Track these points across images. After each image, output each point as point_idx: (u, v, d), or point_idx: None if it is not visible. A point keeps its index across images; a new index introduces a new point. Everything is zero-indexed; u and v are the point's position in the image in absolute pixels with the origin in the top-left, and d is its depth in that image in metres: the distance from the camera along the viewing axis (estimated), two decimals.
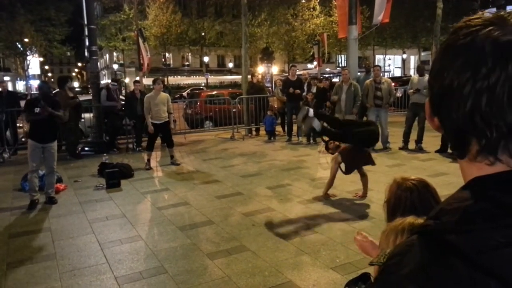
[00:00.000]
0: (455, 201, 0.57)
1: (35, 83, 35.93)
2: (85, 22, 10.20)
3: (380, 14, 11.41)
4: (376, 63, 28.15)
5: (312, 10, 34.89)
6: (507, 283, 0.48)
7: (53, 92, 10.28)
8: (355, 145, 5.53)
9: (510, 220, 0.50)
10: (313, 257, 3.98)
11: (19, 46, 34.03)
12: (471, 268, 0.49)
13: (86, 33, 10.14)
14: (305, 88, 10.54)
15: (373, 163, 5.70)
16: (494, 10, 16.85)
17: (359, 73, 11.00)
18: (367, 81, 9.00)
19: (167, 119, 8.09)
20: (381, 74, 9.63)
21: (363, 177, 5.69)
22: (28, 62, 36.46)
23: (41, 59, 41.26)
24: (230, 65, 46.41)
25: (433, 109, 0.62)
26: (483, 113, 0.53)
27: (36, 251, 4.37)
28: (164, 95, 8.16)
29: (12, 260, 4.16)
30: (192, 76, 43.81)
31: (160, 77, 11.51)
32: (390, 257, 0.59)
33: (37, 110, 5.82)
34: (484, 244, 0.50)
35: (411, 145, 8.74)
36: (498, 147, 0.54)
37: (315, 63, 28.76)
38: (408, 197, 1.63)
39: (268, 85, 21.75)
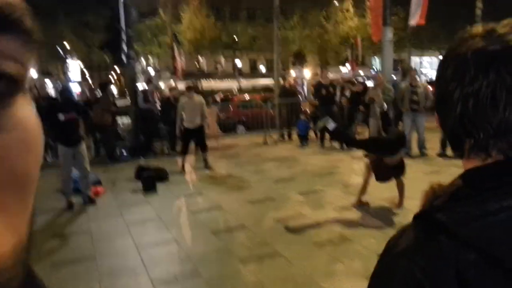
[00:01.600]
0: (447, 189, 0.63)
1: (75, 87, 37.41)
2: (123, 28, 10.52)
3: (416, 15, 11.16)
4: (413, 66, 27.52)
5: (345, 12, 34.49)
6: (484, 254, 0.52)
7: (96, 97, 10.71)
8: (377, 153, 5.36)
9: (487, 197, 0.56)
10: (347, 265, 3.94)
11: (60, 51, 35.51)
12: (454, 241, 0.55)
13: (124, 38, 10.45)
14: (338, 92, 10.44)
15: (402, 174, 5.47)
16: None
17: (395, 78, 10.81)
18: (403, 85, 8.84)
19: (201, 124, 8.18)
20: (417, 77, 9.39)
21: (399, 184, 5.53)
22: (68, 66, 37.98)
23: (81, 63, 42.89)
24: (263, 68, 46.56)
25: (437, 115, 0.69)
26: (470, 117, 0.60)
27: (77, 252, 4.56)
28: (198, 100, 8.23)
29: (55, 260, 4.36)
30: (224, 80, 44.28)
31: (193, 82, 11.71)
32: (389, 240, 0.65)
33: (62, 117, 5.88)
34: (464, 217, 0.56)
35: (449, 151, 8.48)
36: (488, 145, 0.60)
37: (348, 66, 28.44)
38: None
39: (300, 89, 21.64)
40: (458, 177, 0.63)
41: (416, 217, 0.62)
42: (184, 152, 8.22)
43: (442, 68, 0.64)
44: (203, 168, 8.32)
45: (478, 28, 0.63)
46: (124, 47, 10.72)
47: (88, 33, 36.74)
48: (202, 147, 8.33)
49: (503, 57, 0.57)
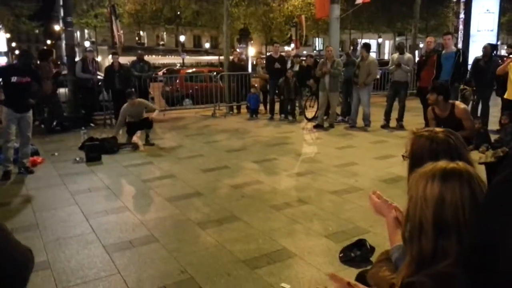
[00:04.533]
0: None
1: (2, 60, 34.40)
2: None
3: None
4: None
5: None
6: None
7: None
8: None
9: None
10: (306, 226, 3.96)
11: None
12: None
13: (61, 3, 9.64)
14: (288, 66, 10.45)
15: None
16: None
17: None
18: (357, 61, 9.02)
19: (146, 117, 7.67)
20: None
21: None
22: None
23: (8, 35, 39.46)
24: (207, 45, 45.65)
25: None
26: None
27: (17, 222, 4.17)
28: (140, 103, 7.61)
29: None
30: (167, 56, 42.86)
31: (140, 53, 11.06)
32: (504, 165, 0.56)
33: (14, 79, 5.51)
34: None
35: (392, 123, 8.82)
36: None
37: (292, 45, 28.61)
38: (440, 149, 1.52)
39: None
40: None
41: None
42: (130, 133, 7.71)
43: None
44: (144, 144, 7.77)
45: None
46: (62, 13, 9.92)
47: (16, 3, 33.74)
48: (147, 126, 7.80)
49: None
